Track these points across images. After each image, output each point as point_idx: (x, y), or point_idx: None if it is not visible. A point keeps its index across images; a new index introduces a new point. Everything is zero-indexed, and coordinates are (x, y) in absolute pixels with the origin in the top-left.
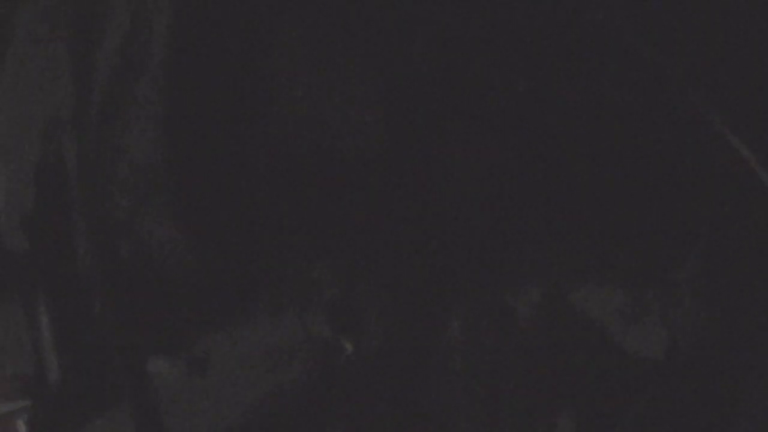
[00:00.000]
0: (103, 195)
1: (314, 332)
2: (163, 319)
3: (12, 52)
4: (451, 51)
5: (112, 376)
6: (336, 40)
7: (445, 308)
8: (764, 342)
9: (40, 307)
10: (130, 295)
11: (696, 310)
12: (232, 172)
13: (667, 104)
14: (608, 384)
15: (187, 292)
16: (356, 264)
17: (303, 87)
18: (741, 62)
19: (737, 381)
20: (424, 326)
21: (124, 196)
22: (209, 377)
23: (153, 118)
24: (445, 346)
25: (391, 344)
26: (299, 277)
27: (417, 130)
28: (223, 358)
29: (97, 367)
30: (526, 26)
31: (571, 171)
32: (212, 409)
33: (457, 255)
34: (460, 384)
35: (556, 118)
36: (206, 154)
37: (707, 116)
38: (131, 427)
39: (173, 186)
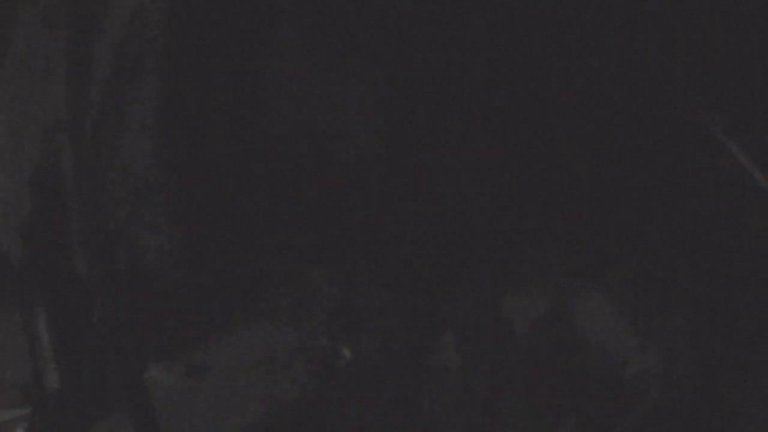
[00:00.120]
0: (100, 201)
1: (312, 338)
2: (161, 326)
3: (9, 56)
4: (448, 53)
5: (111, 383)
6: (333, 44)
7: (441, 313)
8: (763, 347)
9: (38, 314)
10: (127, 301)
11: (695, 317)
12: (229, 177)
13: (665, 107)
14: (607, 394)
15: (185, 298)
16: (354, 269)
17: (300, 90)
18: (738, 64)
19: (736, 388)
20: (421, 331)
21: (121, 203)
22: (207, 383)
23: (149, 124)
24: (442, 351)
25: (389, 350)
26: (296, 284)
27: (414, 133)
28: (221, 364)
29: (95, 374)
30: (525, 27)
31: (569, 178)
32: (211, 415)
33: (454, 261)
34: (456, 392)
35: (554, 123)
36: (202, 159)
37: (704, 120)
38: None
39: (169, 192)
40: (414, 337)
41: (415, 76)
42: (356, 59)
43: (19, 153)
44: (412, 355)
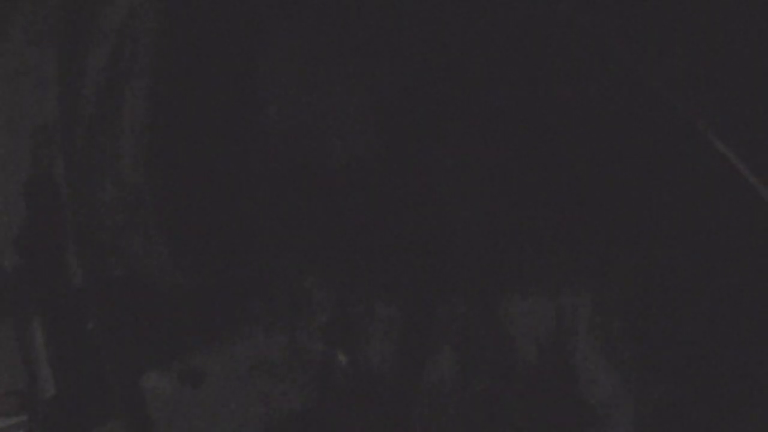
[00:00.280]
0: (93, 209)
1: (308, 344)
2: (155, 334)
3: (0, 66)
4: (448, 53)
5: (107, 390)
6: (331, 44)
7: (439, 326)
8: (763, 349)
9: (34, 323)
10: (122, 310)
11: (691, 320)
12: (223, 184)
13: (662, 110)
14: (604, 423)
15: (180, 305)
16: (350, 275)
17: (293, 98)
18: (735, 68)
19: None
20: (418, 341)
21: (114, 210)
22: (202, 391)
23: (142, 131)
24: (439, 368)
25: (385, 357)
26: (291, 291)
27: (412, 137)
28: (217, 370)
29: (91, 381)
30: (524, 28)
31: (567, 182)
32: (206, 422)
33: (451, 268)
34: (452, 408)
35: (552, 126)
36: (196, 166)
37: (700, 123)
38: None
39: (163, 199)
40: (411, 346)
41: (414, 77)
42: (355, 59)
43: (12, 161)
44: (409, 366)
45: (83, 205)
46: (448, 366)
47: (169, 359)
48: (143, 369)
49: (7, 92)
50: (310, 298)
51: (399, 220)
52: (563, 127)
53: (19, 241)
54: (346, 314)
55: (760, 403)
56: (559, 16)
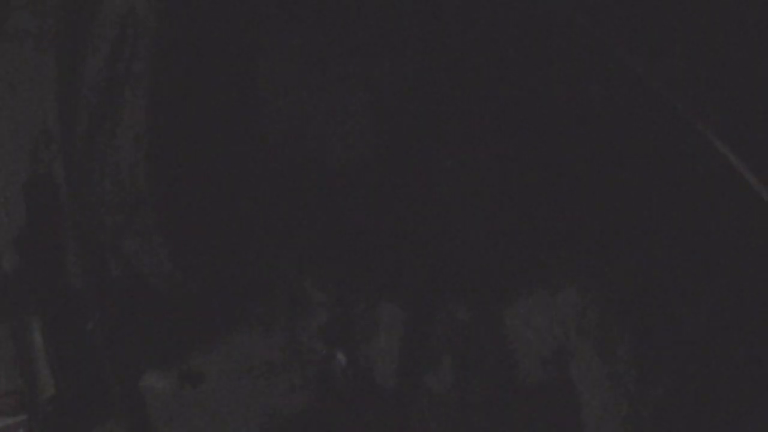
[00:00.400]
0: (93, 210)
1: (308, 344)
2: (154, 335)
3: (0, 66)
4: (447, 54)
5: (106, 391)
6: (328, 48)
7: (440, 333)
8: (763, 348)
9: (33, 324)
10: (121, 311)
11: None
12: (221, 187)
13: (662, 110)
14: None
15: (179, 306)
16: (348, 277)
17: (293, 99)
18: (735, 69)
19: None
20: (418, 346)
21: (113, 212)
22: (202, 391)
23: (139, 135)
24: (439, 375)
25: (385, 358)
26: (291, 291)
27: (410, 140)
28: (215, 372)
29: (91, 381)
30: (524, 29)
31: (563, 184)
32: (205, 422)
33: (451, 271)
34: (450, 416)
35: (551, 127)
36: (195, 167)
37: (700, 124)
38: None
39: (161, 202)
40: (411, 348)
41: (414, 77)
42: (355, 60)
43: (12, 161)
44: (409, 368)
45: (83, 205)
46: (448, 369)
47: (168, 360)
48: (143, 369)
49: (7, 94)
50: (310, 299)
51: (399, 220)
52: (563, 127)
53: (18, 242)
54: (346, 315)
55: (761, 404)
56: (559, 16)
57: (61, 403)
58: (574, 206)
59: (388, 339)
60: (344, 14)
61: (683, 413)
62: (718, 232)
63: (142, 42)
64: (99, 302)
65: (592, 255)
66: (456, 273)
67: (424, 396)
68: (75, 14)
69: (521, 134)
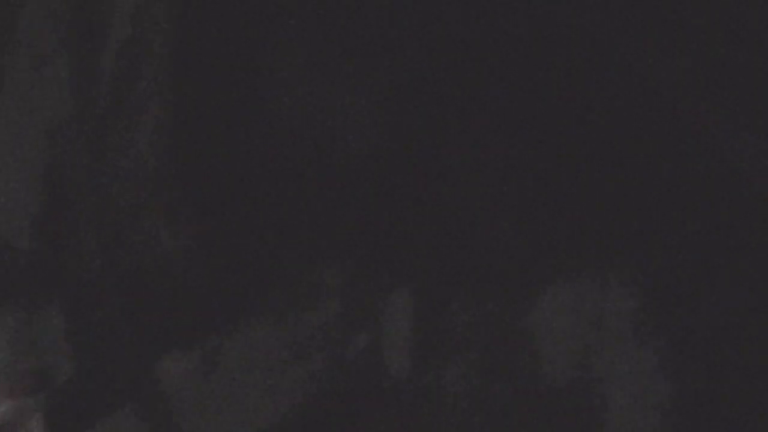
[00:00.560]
0: (109, 195)
1: (326, 327)
2: (172, 318)
3: (13, 51)
4: (449, 51)
5: (124, 373)
6: (335, 42)
7: (455, 327)
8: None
9: (51, 305)
10: (138, 294)
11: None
12: (234, 173)
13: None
14: None
15: (197, 288)
16: (362, 266)
17: (303, 86)
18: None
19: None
20: (433, 332)
21: (129, 197)
22: (219, 374)
23: (154, 121)
24: (451, 372)
25: (399, 350)
26: (309, 273)
27: (417, 128)
28: (233, 354)
29: (108, 362)
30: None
31: (573, 178)
32: (223, 405)
33: (467, 259)
34: (468, 401)
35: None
36: (207, 155)
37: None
38: (143, 423)
39: (175, 188)
40: (427, 341)
41: (416, 74)
42: (358, 58)
43: (28, 150)
44: (423, 363)
45: (99, 190)
46: (466, 364)
47: (186, 342)
48: (160, 353)
49: (20, 78)
50: (328, 282)
51: (418, 209)
52: (588, 119)
53: (36, 223)
54: (360, 305)
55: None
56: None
57: (78, 384)
58: (600, 200)
59: (403, 329)
60: (350, 10)
61: (712, 409)
62: (746, 227)
63: (157, 30)
64: (116, 285)
65: (619, 250)
66: (476, 266)
67: (440, 390)
68: (87, 8)
69: (529, 130)
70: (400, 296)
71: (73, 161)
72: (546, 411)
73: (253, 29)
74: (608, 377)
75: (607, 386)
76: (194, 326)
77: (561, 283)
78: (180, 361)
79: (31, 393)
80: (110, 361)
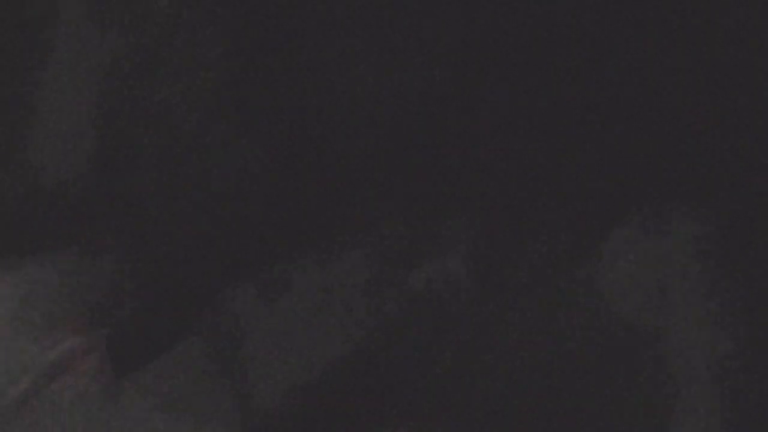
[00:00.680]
0: (167, 126)
1: (388, 265)
2: (237, 247)
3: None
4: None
5: (187, 305)
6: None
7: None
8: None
9: (112, 241)
10: (201, 223)
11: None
12: (298, 108)
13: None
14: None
15: (259, 218)
16: (428, 194)
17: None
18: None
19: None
20: (490, 260)
21: (192, 116)
22: (286, 303)
23: (209, 52)
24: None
25: (467, 274)
26: (379, 205)
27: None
28: (300, 283)
29: (172, 296)
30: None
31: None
32: (286, 337)
33: (527, 194)
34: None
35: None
36: (278, 82)
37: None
38: (207, 355)
39: (246, 100)
40: (487, 275)
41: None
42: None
43: (82, 86)
44: (484, 295)
45: (158, 117)
46: (527, 302)
47: (250, 272)
48: (224, 283)
49: (79, 15)
50: (385, 220)
51: (481, 144)
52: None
53: (94, 159)
54: (424, 238)
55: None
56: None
57: (142, 318)
58: (663, 139)
59: (465, 265)
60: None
61: None
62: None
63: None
64: (178, 216)
65: (683, 190)
66: (542, 208)
67: (501, 325)
68: None
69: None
70: (464, 231)
71: (128, 95)
72: (608, 353)
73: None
74: (673, 322)
75: (672, 331)
76: (260, 255)
77: (625, 224)
78: (245, 291)
79: (95, 328)
80: (174, 294)
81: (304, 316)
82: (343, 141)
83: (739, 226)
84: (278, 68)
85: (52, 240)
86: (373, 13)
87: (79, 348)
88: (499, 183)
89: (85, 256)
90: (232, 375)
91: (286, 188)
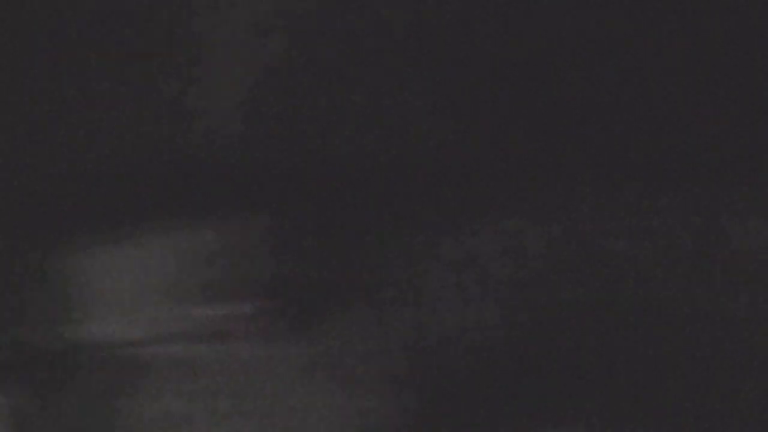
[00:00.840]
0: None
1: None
2: (398, 209)
3: None
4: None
5: (350, 273)
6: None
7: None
8: None
9: (278, 214)
10: (360, 186)
11: None
12: None
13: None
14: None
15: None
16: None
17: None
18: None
19: None
20: None
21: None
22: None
23: None
24: None
25: None
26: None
27: None
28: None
29: (334, 261)
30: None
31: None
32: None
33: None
34: None
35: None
36: None
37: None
38: (376, 320)
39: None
40: None
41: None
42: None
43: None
44: None
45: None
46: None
47: (408, 238)
48: (387, 244)
49: None
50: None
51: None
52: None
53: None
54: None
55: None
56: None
57: (313, 284)
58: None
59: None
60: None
61: None
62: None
63: None
64: (332, 183)
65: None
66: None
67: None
68: None
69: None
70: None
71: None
72: None
73: None
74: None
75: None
76: (420, 218)
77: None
78: (408, 257)
79: (268, 296)
80: (335, 260)
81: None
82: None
83: None
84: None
85: (212, 204)
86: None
87: (236, 315)
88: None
89: (248, 221)
90: (398, 342)
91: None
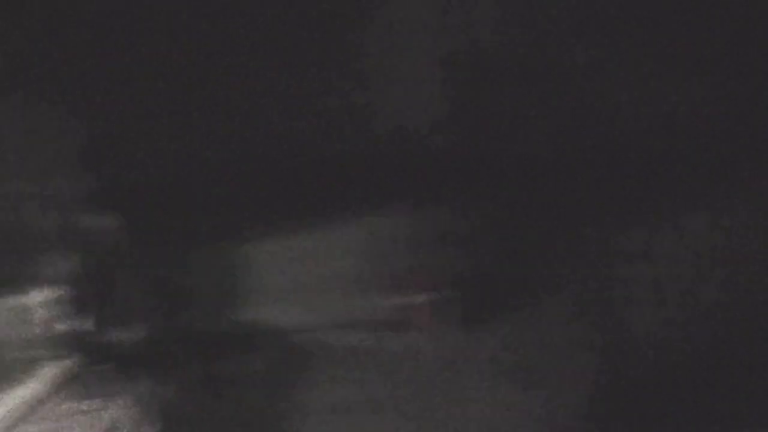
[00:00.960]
0: None
1: None
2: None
3: None
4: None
5: (536, 267)
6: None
7: None
8: None
9: (463, 207)
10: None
11: None
12: None
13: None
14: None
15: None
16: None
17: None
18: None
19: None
20: None
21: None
22: None
23: None
24: None
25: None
26: None
27: None
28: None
29: (521, 258)
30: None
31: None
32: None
33: None
34: None
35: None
36: None
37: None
38: (559, 319)
39: None
40: None
41: None
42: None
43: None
44: None
45: None
46: None
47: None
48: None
49: None
50: None
51: None
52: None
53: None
54: None
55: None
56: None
57: (492, 277)
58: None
59: None
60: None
61: None
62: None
63: None
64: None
65: None
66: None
67: None
68: None
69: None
70: None
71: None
72: None
73: None
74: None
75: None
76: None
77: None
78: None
79: (446, 287)
80: (517, 255)
81: None
82: None
83: None
84: None
85: (395, 197)
86: None
87: (417, 305)
88: None
89: (432, 214)
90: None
91: None
